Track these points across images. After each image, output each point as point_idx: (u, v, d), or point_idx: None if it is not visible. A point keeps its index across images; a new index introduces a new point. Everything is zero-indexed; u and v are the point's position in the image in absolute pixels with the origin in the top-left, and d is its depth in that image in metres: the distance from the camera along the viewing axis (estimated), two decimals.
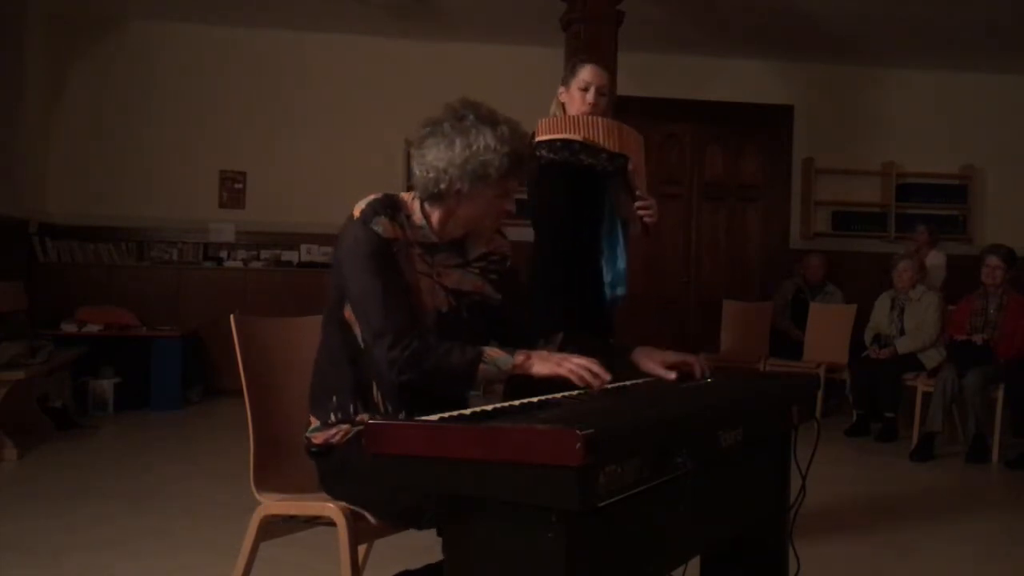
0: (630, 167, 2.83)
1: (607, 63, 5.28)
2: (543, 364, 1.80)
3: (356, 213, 1.84)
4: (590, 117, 2.82)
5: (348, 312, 1.88)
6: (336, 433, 1.88)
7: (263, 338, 2.17)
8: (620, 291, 2.96)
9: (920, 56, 7.43)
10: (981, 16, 6.31)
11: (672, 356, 2.04)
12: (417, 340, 1.77)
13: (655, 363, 2.03)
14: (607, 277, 2.94)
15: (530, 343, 1.98)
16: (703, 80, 7.48)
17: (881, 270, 6.60)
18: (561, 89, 2.93)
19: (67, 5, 6.74)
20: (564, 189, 2.84)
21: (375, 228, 1.81)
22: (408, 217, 1.89)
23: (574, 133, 2.75)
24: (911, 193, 7.72)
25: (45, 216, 6.72)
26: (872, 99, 7.77)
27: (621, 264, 2.96)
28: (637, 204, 2.87)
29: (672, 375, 2.01)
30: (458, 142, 1.79)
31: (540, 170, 2.77)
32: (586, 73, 2.86)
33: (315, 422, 1.92)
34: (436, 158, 1.80)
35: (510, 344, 1.88)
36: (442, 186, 1.82)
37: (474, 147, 1.78)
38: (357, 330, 1.88)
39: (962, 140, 7.79)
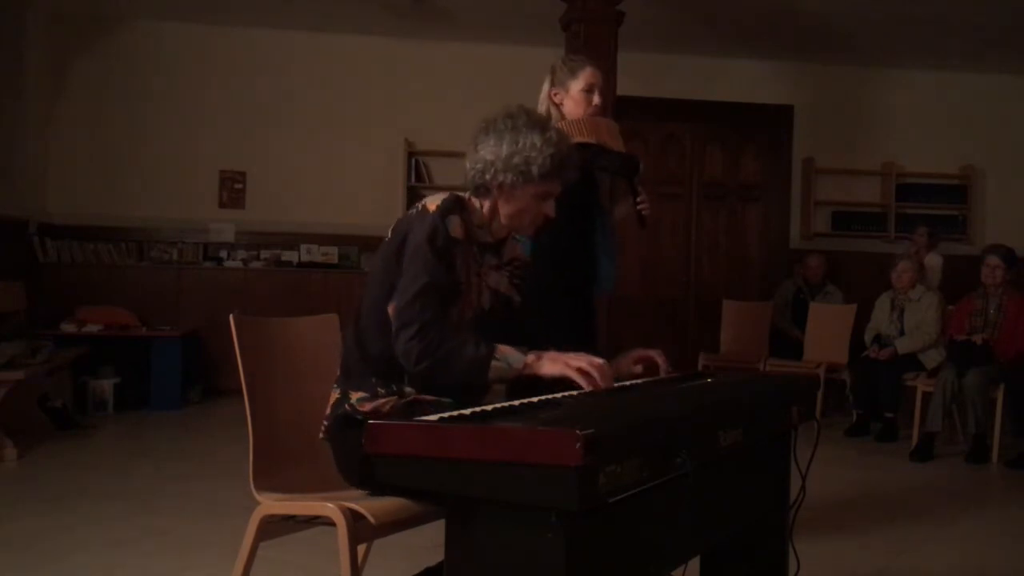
0: (641, 169, 2.87)
1: (607, 63, 5.33)
2: (552, 365, 1.85)
3: (432, 207, 1.90)
4: (595, 119, 2.84)
5: (392, 307, 1.90)
6: (386, 403, 1.88)
7: (263, 338, 2.17)
8: (610, 285, 2.98)
9: (920, 56, 7.43)
10: (981, 16, 6.31)
11: (636, 352, 2.12)
12: (435, 332, 1.82)
13: (624, 361, 2.11)
14: (603, 271, 2.95)
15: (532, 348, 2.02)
16: (703, 80, 7.47)
17: (881, 270, 6.61)
18: (555, 90, 2.90)
19: (67, 5, 6.74)
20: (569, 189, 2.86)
21: (446, 224, 1.88)
22: (471, 215, 1.97)
23: (589, 136, 2.78)
24: (911, 193, 7.72)
25: (45, 216, 6.72)
26: (872, 99, 7.77)
27: (613, 261, 2.98)
28: (639, 199, 2.90)
29: (639, 368, 2.10)
30: (507, 138, 1.91)
31: None
32: (589, 75, 2.86)
33: (358, 394, 1.90)
34: (486, 152, 1.92)
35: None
36: (487, 177, 1.92)
37: (520, 144, 1.90)
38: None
39: (962, 140, 7.79)
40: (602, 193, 3.00)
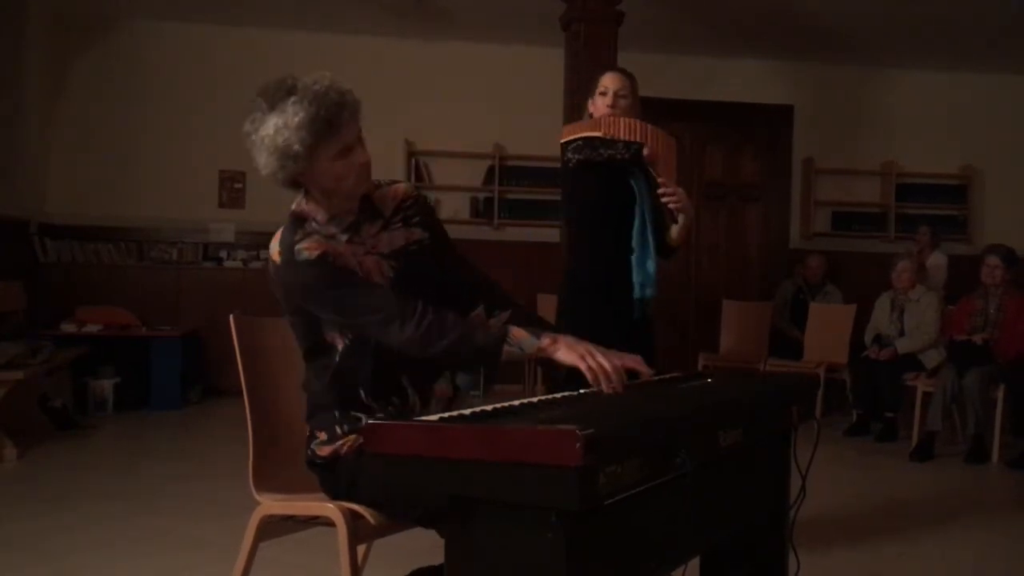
0: (645, 152, 2.87)
1: (607, 63, 5.31)
2: (568, 352, 1.77)
3: (276, 257, 1.84)
4: (611, 117, 2.92)
5: (328, 335, 1.88)
6: (343, 444, 1.86)
7: (263, 338, 2.17)
8: (649, 292, 2.95)
9: (920, 56, 7.43)
10: (981, 16, 6.31)
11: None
12: (431, 315, 1.77)
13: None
14: (636, 277, 2.93)
15: (471, 285, 2.03)
16: (703, 80, 7.47)
17: (881, 270, 6.61)
18: (590, 100, 3.07)
19: (67, 5, 6.74)
20: (595, 188, 2.93)
21: (301, 259, 1.80)
22: (315, 220, 1.89)
23: (594, 131, 2.88)
24: (911, 193, 7.72)
25: (45, 216, 6.72)
26: (872, 99, 7.77)
27: (651, 266, 2.95)
28: (659, 191, 2.90)
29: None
30: (255, 139, 1.79)
31: (570, 171, 2.93)
32: (605, 79, 3.05)
33: (322, 435, 1.89)
34: (257, 159, 1.81)
35: (458, 287, 1.98)
36: (280, 176, 1.81)
37: (263, 137, 1.77)
38: (339, 344, 1.88)
39: (962, 140, 7.79)
40: (642, 196, 2.98)
